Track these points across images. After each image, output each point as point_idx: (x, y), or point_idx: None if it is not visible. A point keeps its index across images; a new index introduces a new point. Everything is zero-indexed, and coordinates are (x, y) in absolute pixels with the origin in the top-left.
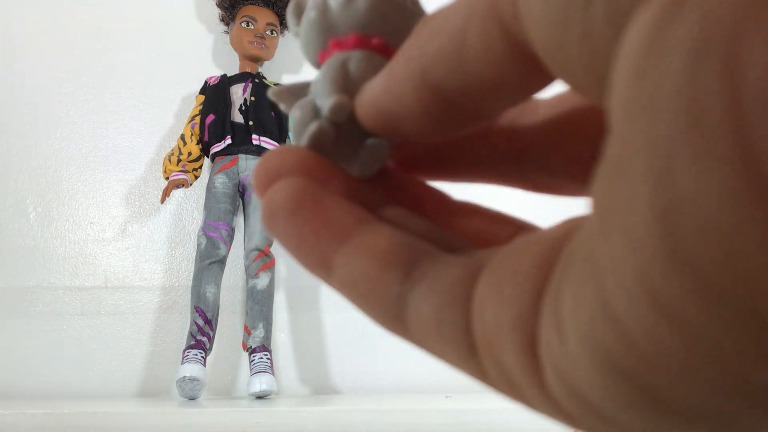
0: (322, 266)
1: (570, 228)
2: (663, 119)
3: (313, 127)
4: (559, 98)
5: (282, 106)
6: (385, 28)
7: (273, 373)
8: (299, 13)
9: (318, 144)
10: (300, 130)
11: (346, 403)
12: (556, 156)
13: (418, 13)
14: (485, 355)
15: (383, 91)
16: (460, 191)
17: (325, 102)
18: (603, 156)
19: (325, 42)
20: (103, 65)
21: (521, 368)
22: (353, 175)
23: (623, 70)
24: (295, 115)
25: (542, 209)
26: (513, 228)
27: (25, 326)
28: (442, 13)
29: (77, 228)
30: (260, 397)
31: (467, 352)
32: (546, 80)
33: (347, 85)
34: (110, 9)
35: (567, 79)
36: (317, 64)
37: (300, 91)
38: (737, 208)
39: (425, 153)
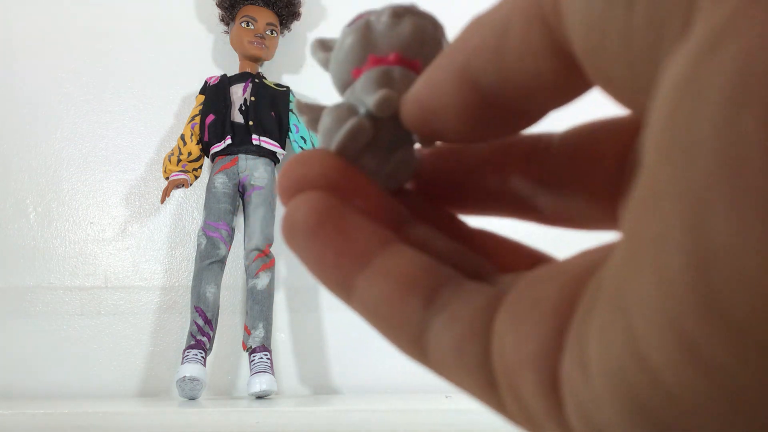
0: (342, 288)
1: (591, 260)
2: (699, 165)
3: (352, 121)
4: (575, 131)
5: (304, 119)
6: (422, 53)
7: (273, 373)
8: (325, 47)
9: (353, 142)
10: (333, 129)
11: (346, 403)
12: (572, 190)
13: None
14: (505, 388)
15: (425, 85)
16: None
17: (370, 98)
18: (635, 190)
19: (365, 58)
20: (103, 65)
21: (541, 403)
22: (381, 184)
23: (660, 106)
24: (325, 121)
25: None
26: (530, 260)
27: (25, 326)
28: (487, 12)
29: (77, 228)
30: (260, 397)
31: (487, 384)
32: (584, 85)
33: (392, 86)
34: (110, 9)
35: (603, 85)
36: (349, 82)
37: (319, 110)
38: None
39: (443, 182)
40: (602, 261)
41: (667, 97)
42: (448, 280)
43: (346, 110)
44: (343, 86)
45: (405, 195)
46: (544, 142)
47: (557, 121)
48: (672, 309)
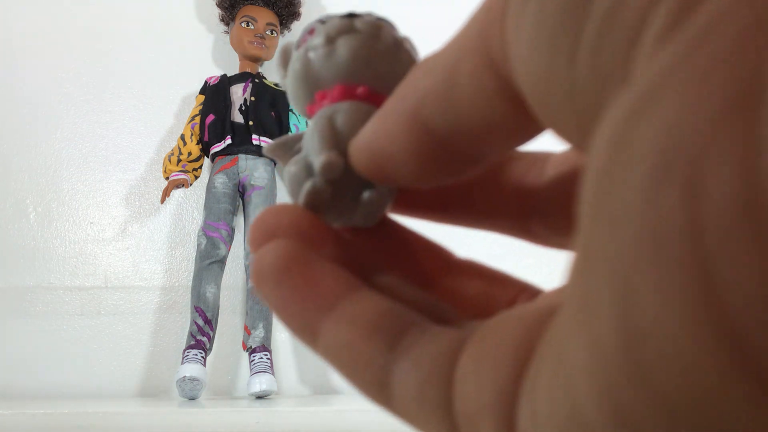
0: (307, 333)
1: (552, 304)
2: (625, 235)
3: (307, 186)
4: (567, 155)
5: (278, 162)
6: (371, 74)
7: (273, 373)
8: (286, 62)
9: (314, 202)
10: (295, 188)
11: (346, 403)
12: (563, 214)
13: (404, 54)
14: None
15: (376, 131)
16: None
17: (316, 160)
18: (574, 251)
19: (312, 95)
20: (103, 65)
21: None
22: (356, 225)
23: (593, 166)
24: (289, 172)
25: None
26: (514, 290)
27: (25, 326)
28: (435, 55)
29: (77, 228)
30: (260, 397)
31: (449, 428)
32: (538, 127)
33: (337, 140)
34: (110, 9)
35: (554, 131)
36: (308, 117)
37: (293, 143)
38: (698, 341)
39: (432, 196)
40: (560, 307)
41: (598, 157)
42: (413, 325)
43: (303, 169)
44: (306, 117)
45: (385, 227)
46: (539, 164)
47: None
48: (605, 378)
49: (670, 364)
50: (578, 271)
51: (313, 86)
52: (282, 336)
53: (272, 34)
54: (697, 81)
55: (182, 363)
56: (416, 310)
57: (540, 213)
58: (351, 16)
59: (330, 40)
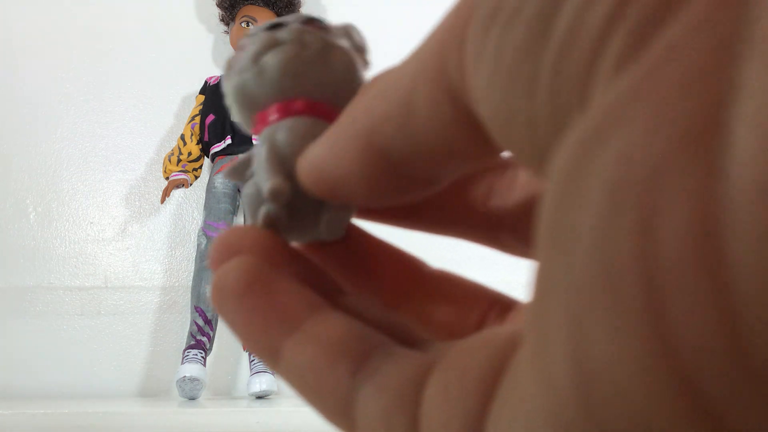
0: (269, 354)
1: (521, 327)
2: (578, 269)
3: (262, 211)
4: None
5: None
6: (305, 85)
7: (273, 373)
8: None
9: (272, 226)
10: (253, 212)
11: None
12: (532, 227)
13: (336, 55)
14: None
15: (326, 153)
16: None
17: (263, 187)
18: (533, 278)
19: (251, 119)
20: (103, 65)
21: None
22: (323, 239)
23: (549, 195)
24: (245, 196)
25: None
26: (486, 303)
27: (25, 326)
28: (390, 74)
29: (77, 228)
30: (260, 397)
31: None
32: (497, 150)
33: (282, 161)
34: (110, 9)
35: (514, 154)
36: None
37: (245, 166)
38: (650, 387)
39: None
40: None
41: (554, 186)
42: (378, 347)
43: (256, 194)
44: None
45: (354, 238)
46: (509, 177)
47: None
48: (560, 419)
49: (622, 410)
50: (535, 303)
51: (251, 108)
52: None
53: None
54: (653, 111)
55: (182, 363)
56: (382, 331)
57: (509, 224)
58: (275, 26)
59: (256, 58)
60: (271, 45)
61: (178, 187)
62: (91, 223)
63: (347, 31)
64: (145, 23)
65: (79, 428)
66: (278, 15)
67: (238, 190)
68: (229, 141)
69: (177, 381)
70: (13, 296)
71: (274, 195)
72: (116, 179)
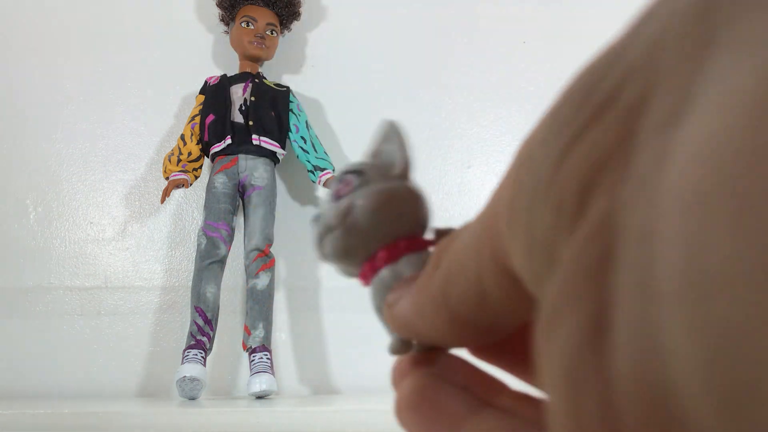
0: None
1: None
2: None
3: (390, 347)
4: None
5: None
6: (399, 224)
7: (273, 373)
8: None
9: (402, 352)
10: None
11: (346, 403)
12: None
13: (405, 194)
14: None
15: (413, 315)
16: None
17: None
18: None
19: (359, 264)
20: (103, 65)
21: None
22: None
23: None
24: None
25: None
26: None
27: (25, 326)
28: (454, 258)
29: (77, 228)
30: (260, 397)
31: None
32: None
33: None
34: (110, 9)
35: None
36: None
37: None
38: None
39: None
40: None
41: (537, 342)
42: None
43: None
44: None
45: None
46: None
47: None
48: None
49: None
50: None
51: (357, 258)
52: (282, 336)
53: (272, 34)
54: (566, 310)
55: (182, 363)
56: (536, 428)
57: None
58: (351, 172)
59: (345, 214)
60: (358, 196)
61: (178, 187)
62: (91, 223)
63: (397, 144)
64: (145, 23)
65: (79, 428)
66: (278, 15)
67: (238, 190)
68: (229, 141)
69: (177, 381)
70: (13, 296)
71: (395, 352)
72: (116, 179)
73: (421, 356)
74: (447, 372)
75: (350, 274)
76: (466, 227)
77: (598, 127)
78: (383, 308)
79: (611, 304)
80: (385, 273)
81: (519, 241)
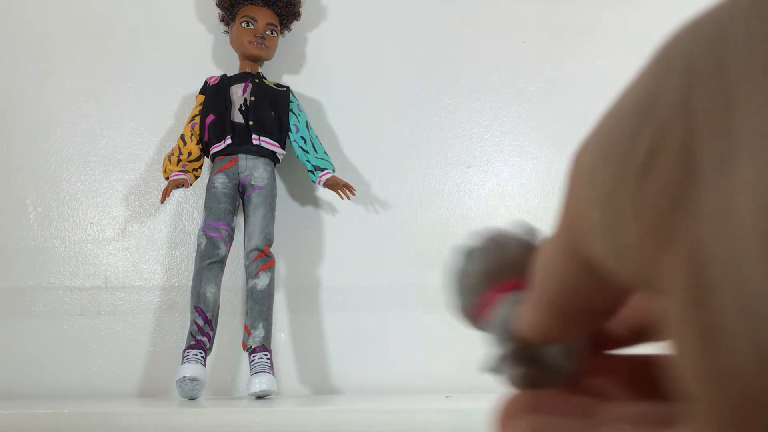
0: None
1: None
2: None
3: (510, 377)
4: None
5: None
6: (505, 266)
7: (273, 373)
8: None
9: (529, 383)
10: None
11: (346, 403)
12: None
13: (515, 244)
14: None
15: (535, 319)
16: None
17: (509, 371)
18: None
19: (477, 303)
20: (102, 65)
21: None
22: (573, 375)
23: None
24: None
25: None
26: None
27: (25, 326)
28: (544, 267)
29: (77, 228)
30: (260, 397)
31: None
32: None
33: (514, 327)
34: (110, 9)
35: (626, 280)
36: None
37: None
38: None
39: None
40: None
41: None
42: None
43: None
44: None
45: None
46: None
47: None
48: None
49: None
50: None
51: (476, 296)
52: (282, 336)
53: (272, 34)
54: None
55: (182, 363)
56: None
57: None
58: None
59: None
60: (486, 239)
61: (178, 187)
62: (91, 223)
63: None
64: (145, 23)
65: (79, 428)
66: (278, 15)
67: (238, 190)
68: (229, 141)
69: (177, 381)
70: (13, 296)
71: (518, 383)
72: (116, 179)
73: (530, 398)
74: (550, 404)
75: (465, 310)
76: (546, 241)
77: (659, 162)
78: (510, 324)
79: (718, 323)
80: (497, 313)
81: (606, 247)
